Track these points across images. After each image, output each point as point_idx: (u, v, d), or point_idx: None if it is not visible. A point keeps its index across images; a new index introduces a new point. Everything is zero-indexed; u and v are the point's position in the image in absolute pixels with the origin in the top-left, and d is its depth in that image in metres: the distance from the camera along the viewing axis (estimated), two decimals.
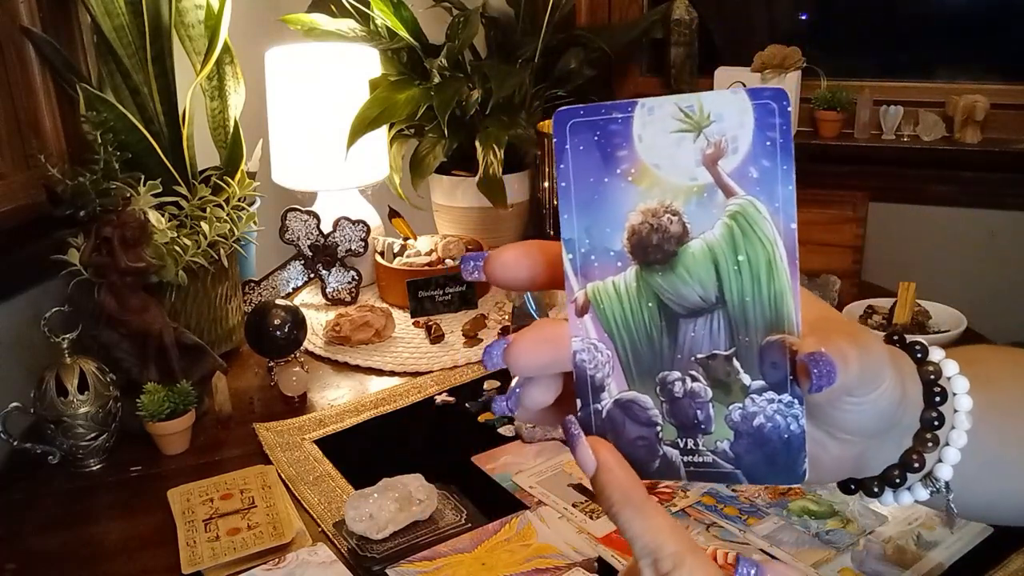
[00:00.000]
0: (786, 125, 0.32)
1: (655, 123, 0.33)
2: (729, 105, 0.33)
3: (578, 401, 0.36)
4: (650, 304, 0.35)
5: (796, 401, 0.34)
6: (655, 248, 0.34)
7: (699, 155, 0.33)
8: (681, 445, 0.36)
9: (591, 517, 0.92)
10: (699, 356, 0.35)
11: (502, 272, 0.37)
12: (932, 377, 0.39)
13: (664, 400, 0.35)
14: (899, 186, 1.67)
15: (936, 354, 0.40)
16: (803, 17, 1.94)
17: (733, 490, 0.95)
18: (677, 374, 0.35)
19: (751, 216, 0.33)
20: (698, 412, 0.35)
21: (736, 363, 0.34)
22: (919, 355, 0.40)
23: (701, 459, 0.36)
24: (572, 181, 0.34)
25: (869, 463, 0.39)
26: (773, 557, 0.85)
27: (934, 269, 1.65)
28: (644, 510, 0.34)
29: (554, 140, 0.35)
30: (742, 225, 0.33)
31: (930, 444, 0.38)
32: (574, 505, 0.95)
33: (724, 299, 0.34)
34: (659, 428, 0.36)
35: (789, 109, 0.32)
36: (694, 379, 0.35)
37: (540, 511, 0.94)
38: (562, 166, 0.34)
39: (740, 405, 0.35)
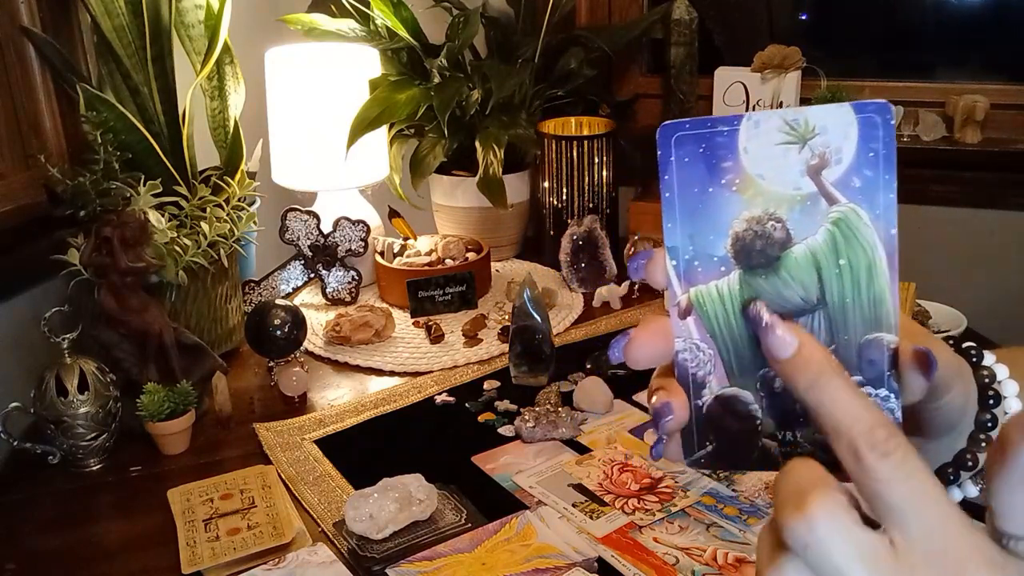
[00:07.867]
0: (888, 137, 0.34)
1: (761, 136, 0.34)
2: (834, 118, 0.34)
3: None
4: None
5: (892, 395, 0.35)
6: (759, 253, 0.35)
7: (803, 166, 0.34)
8: (779, 437, 0.37)
9: (591, 517, 0.92)
10: None
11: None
12: (986, 381, 0.41)
13: (764, 395, 0.37)
14: (899, 186, 1.66)
15: (989, 358, 0.42)
16: (803, 17, 1.94)
17: (733, 490, 0.95)
18: None
19: (853, 222, 0.34)
20: (797, 406, 0.36)
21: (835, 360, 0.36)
22: (974, 359, 0.42)
23: (800, 451, 0.37)
24: (676, 191, 0.36)
25: (928, 462, 0.42)
26: None
27: (934, 269, 1.64)
28: (852, 383, 0.33)
29: (659, 152, 0.35)
30: (844, 231, 0.34)
31: (983, 445, 0.40)
32: (574, 505, 0.95)
33: (825, 300, 0.35)
34: (759, 422, 0.37)
35: (892, 122, 0.34)
36: None
37: (540, 511, 0.94)
38: (666, 177, 0.35)
39: None
